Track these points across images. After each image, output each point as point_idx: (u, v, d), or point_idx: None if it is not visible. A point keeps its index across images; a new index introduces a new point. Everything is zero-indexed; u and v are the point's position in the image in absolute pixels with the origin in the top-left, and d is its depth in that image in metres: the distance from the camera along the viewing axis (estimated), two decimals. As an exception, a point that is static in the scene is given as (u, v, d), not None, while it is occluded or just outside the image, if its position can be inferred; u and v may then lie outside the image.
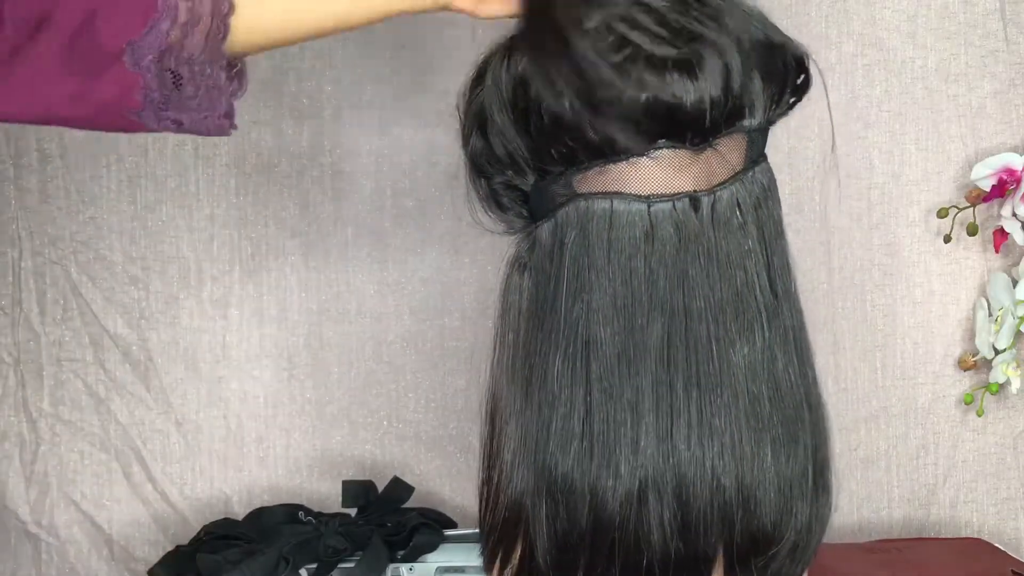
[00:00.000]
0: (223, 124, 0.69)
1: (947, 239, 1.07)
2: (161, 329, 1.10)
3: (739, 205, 0.63)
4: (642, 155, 0.62)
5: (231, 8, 0.66)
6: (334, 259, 1.10)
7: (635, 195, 0.62)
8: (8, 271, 1.09)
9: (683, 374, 0.62)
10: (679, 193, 0.62)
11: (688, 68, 0.60)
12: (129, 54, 0.64)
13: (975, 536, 1.08)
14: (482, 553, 0.69)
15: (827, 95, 0.70)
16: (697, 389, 0.61)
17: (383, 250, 1.10)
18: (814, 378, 0.67)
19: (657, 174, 0.62)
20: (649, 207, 0.62)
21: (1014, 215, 1.03)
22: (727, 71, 0.60)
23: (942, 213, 1.06)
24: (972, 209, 1.06)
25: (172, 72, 0.65)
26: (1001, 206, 1.04)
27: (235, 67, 0.70)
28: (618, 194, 0.62)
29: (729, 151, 0.63)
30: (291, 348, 1.11)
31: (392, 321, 1.10)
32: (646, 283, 0.62)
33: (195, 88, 0.66)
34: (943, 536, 1.09)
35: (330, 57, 1.08)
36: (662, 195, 0.62)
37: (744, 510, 0.62)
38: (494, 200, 0.68)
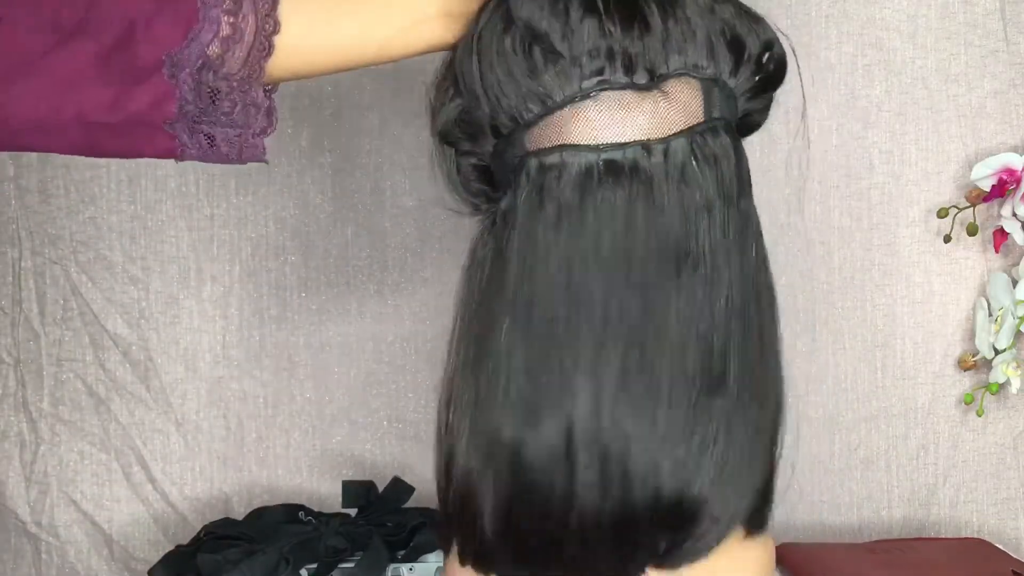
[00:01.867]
0: (257, 144, 0.68)
1: (947, 239, 1.07)
2: (161, 329, 1.10)
3: (695, 156, 0.61)
4: (585, 97, 0.60)
5: (276, 27, 0.65)
6: (334, 259, 1.10)
7: (585, 145, 0.60)
8: (8, 271, 1.09)
9: (616, 330, 0.60)
10: (630, 142, 0.60)
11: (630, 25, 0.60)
12: (168, 65, 0.63)
13: (975, 536, 1.08)
14: (438, 534, 0.69)
15: (802, 87, 0.69)
16: (626, 345, 0.60)
17: (383, 250, 1.10)
18: (769, 353, 0.65)
19: (605, 119, 0.60)
20: (599, 156, 0.60)
21: (1014, 215, 1.03)
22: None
23: (942, 213, 1.06)
24: (972, 209, 1.06)
25: (210, 87, 0.65)
26: (1001, 206, 1.04)
27: (274, 91, 0.69)
28: (566, 146, 0.60)
29: (682, 96, 0.61)
30: (291, 348, 1.11)
31: (392, 321, 1.10)
32: (592, 236, 0.60)
33: (231, 104, 0.66)
34: (943, 536, 1.09)
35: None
36: (612, 144, 0.60)
37: (658, 468, 0.60)
38: (460, 177, 0.67)
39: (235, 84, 0.65)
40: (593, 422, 0.60)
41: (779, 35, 0.66)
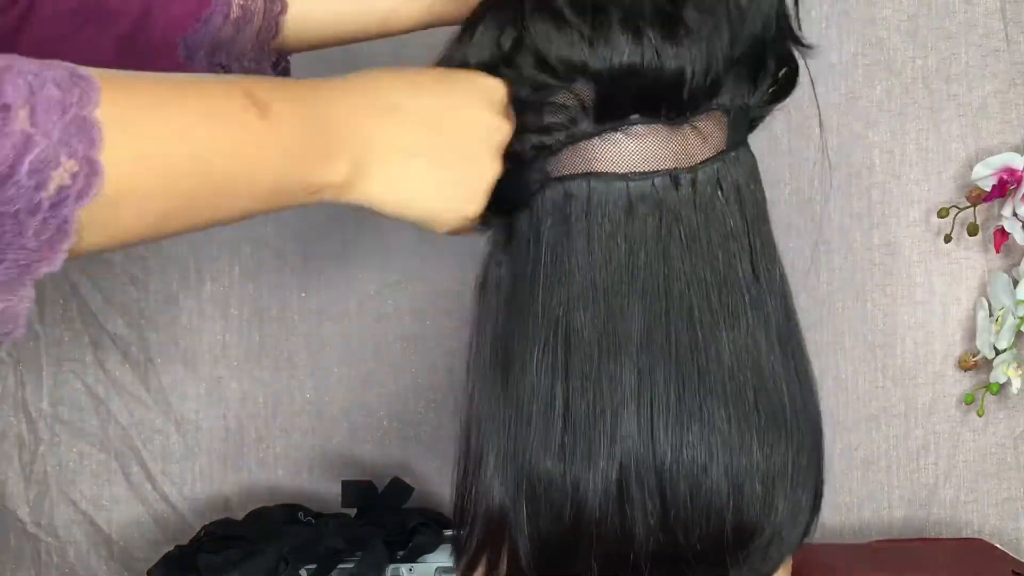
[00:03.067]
0: None
1: (948, 239, 1.07)
2: (161, 329, 1.10)
3: (720, 185, 0.61)
4: (615, 130, 0.59)
5: (283, 7, 0.65)
6: (334, 259, 1.10)
7: (613, 173, 0.59)
8: (7, 271, 1.09)
9: (664, 360, 0.59)
10: (658, 171, 0.59)
11: (671, 31, 0.57)
12: (183, 47, 0.64)
13: (976, 536, 1.08)
14: (458, 561, 0.66)
15: (815, 91, 0.69)
16: (679, 376, 0.59)
17: (383, 250, 1.10)
18: (803, 370, 0.64)
19: (633, 149, 0.60)
20: (628, 184, 0.59)
21: (1015, 215, 1.03)
22: (713, 39, 0.58)
23: (943, 213, 1.06)
24: (973, 209, 1.06)
25: (222, 67, 0.65)
26: (1002, 206, 1.04)
27: (280, 65, 0.70)
28: (595, 174, 0.60)
29: (709, 128, 0.61)
30: (291, 348, 1.10)
31: (392, 321, 1.10)
32: (626, 266, 0.59)
33: None
34: (944, 536, 1.09)
35: (329, 58, 1.08)
36: (641, 172, 0.59)
37: (729, 501, 0.59)
38: None
39: (246, 64, 0.66)
40: (649, 458, 0.59)
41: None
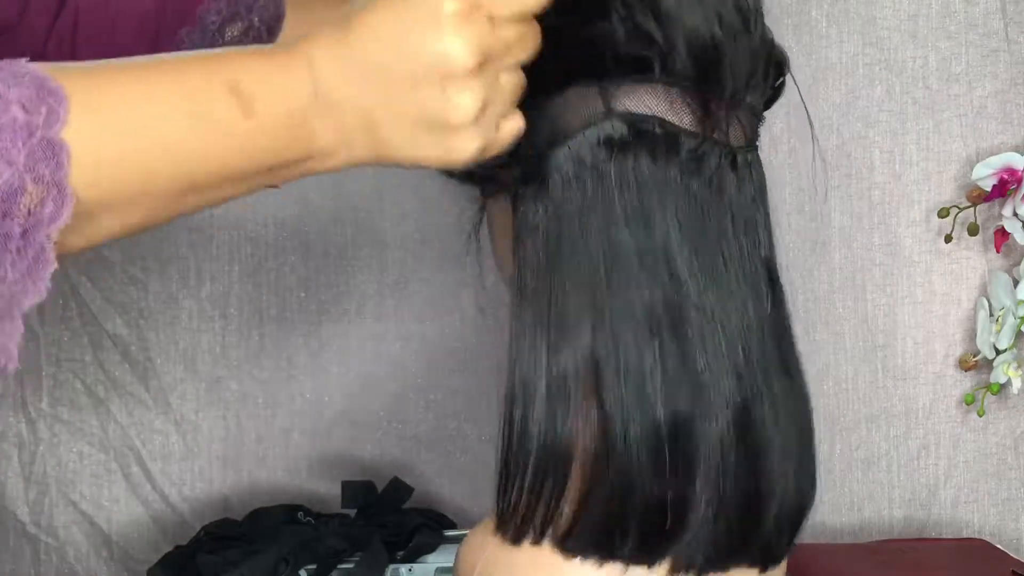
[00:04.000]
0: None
1: (948, 239, 1.06)
2: (160, 329, 1.10)
3: (752, 172, 0.62)
4: (685, 86, 0.59)
5: None
6: (334, 259, 1.10)
7: (683, 128, 0.59)
8: (7, 271, 1.09)
9: (740, 334, 0.60)
10: (716, 141, 0.60)
11: (745, 23, 0.59)
12: None
13: (976, 536, 1.08)
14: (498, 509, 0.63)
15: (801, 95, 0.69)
16: (749, 350, 0.61)
17: (383, 250, 1.10)
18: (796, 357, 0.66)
19: (696, 110, 0.60)
20: (701, 142, 0.59)
21: (1015, 215, 1.03)
22: (756, 37, 0.60)
23: (943, 213, 1.06)
24: (973, 209, 1.06)
25: None
26: (1002, 206, 1.04)
27: None
28: (667, 121, 0.59)
29: (744, 122, 0.62)
30: (291, 348, 1.10)
31: (392, 321, 1.10)
32: (702, 217, 0.60)
33: None
34: (944, 536, 1.09)
35: None
36: (701, 135, 0.60)
37: (788, 472, 0.62)
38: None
39: None
40: (746, 417, 0.60)
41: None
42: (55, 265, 0.44)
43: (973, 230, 1.06)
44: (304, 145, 0.52)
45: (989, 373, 1.05)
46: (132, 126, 0.46)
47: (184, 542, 1.01)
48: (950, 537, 1.08)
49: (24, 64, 0.44)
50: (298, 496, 1.09)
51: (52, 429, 1.09)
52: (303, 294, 1.10)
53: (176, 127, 0.48)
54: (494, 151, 0.56)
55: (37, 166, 0.42)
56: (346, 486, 1.03)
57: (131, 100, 0.47)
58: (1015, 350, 1.04)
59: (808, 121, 0.75)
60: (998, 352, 1.05)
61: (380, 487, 1.03)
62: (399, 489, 1.03)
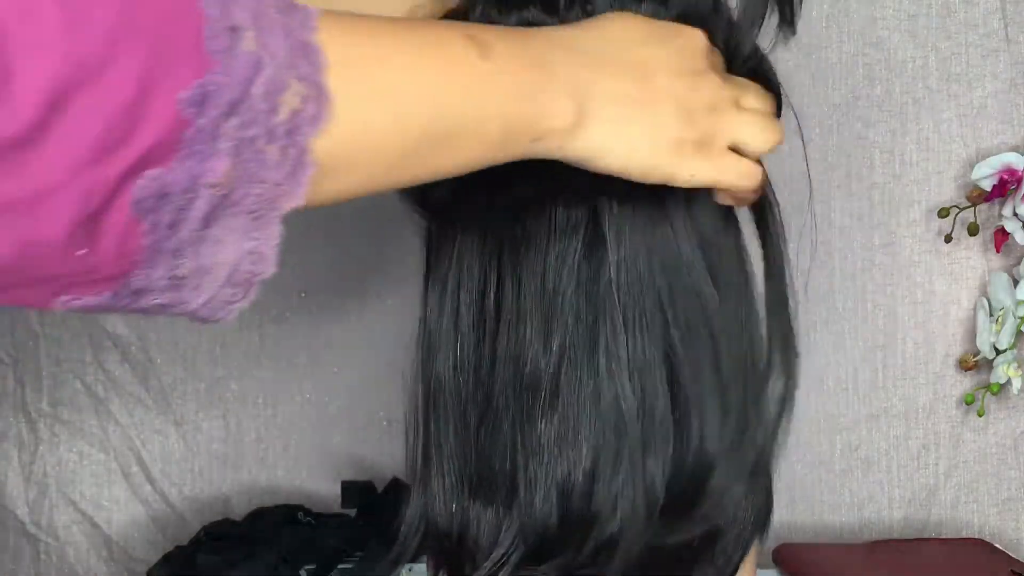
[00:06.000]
0: None
1: (948, 239, 1.06)
2: (160, 329, 1.10)
3: None
4: None
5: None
6: (334, 259, 1.10)
7: None
8: (7, 271, 1.09)
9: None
10: None
11: None
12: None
13: (976, 537, 1.08)
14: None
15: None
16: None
17: (383, 250, 1.10)
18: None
19: None
20: None
21: (1015, 215, 1.03)
22: None
23: (943, 213, 1.06)
24: (973, 209, 1.06)
25: None
26: (1002, 206, 1.04)
27: None
28: None
29: None
30: (291, 348, 1.10)
31: (392, 321, 1.10)
32: None
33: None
34: (944, 536, 1.09)
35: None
36: None
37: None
38: None
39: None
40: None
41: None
42: (314, 169, 0.43)
43: (973, 230, 1.06)
44: (540, 106, 0.51)
45: (989, 373, 1.05)
46: (377, 53, 0.46)
47: (184, 542, 1.01)
48: (950, 537, 1.08)
49: None
50: (298, 496, 1.09)
51: (52, 429, 1.09)
52: (303, 294, 1.10)
53: (418, 56, 0.47)
54: (697, 181, 0.57)
55: (298, 63, 0.42)
56: (346, 486, 1.03)
57: (375, 31, 0.47)
58: (1015, 350, 1.04)
59: (796, 123, 0.75)
60: (998, 352, 1.05)
61: (380, 487, 1.03)
62: (399, 488, 1.03)
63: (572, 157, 0.53)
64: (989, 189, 1.04)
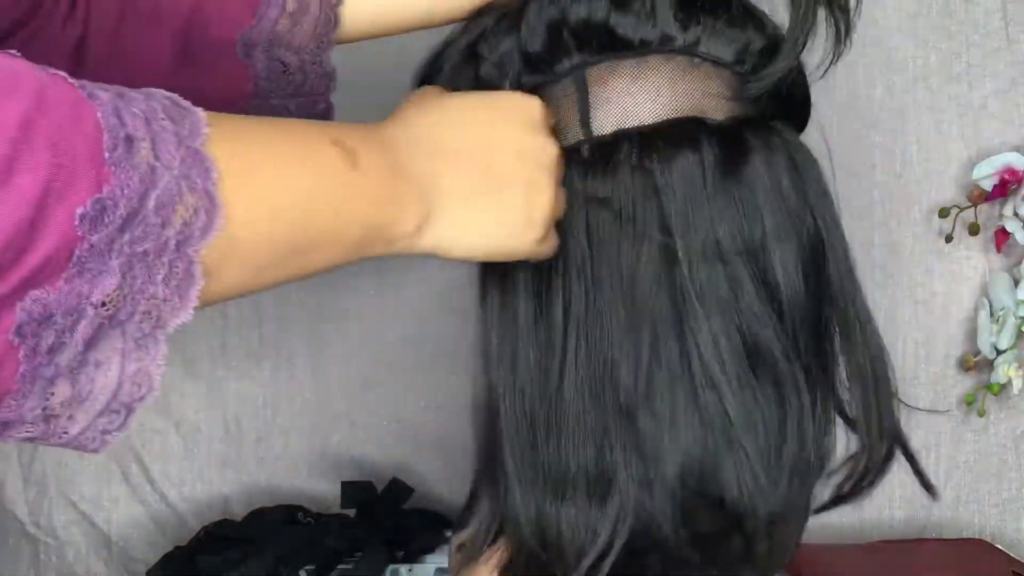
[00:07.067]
0: (322, 103, 0.69)
1: (949, 239, 1.06)
2: (160, 329, 1.09)
3: None
4: None
5: None
6: (333, 259, 1.10)
7: None
8: (7, 271, 1.09)
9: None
10: None
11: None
12: (240, 45, 0.63)
13: (976, 537, 1.08)
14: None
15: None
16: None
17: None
18: None
19: None
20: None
21: (1016, 215, 1.03)
22: None
23: (943, 213, 1.06)
24: (974, 209, 1.06)
25: (282, 63, 0.64)
26: (1003, 206, 1.04)
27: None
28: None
29: None
30: (291, 348, 1.10)
31: (392, 321, 1.10)
32: None
33: (303, 76, 0.66)
34: (944, 537, 1.09)
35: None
36: None
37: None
38: None
39: (305, 57, 0.65)
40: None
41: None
42: (202, 282, 0.42)
43: (974, 230, 1.06)
44: (394, 212, 0.52)
45: (990, 373, 1.05)
46: (258, 162, 0.45)
47: (184, 542, 1.01)
48: (950, 537, 1.08)
49: (151, 89, 0.43)
50: (298, 496, 1.09)
51: (52, 429, 1.09)
52: (302, 294, 1.10)
53: (294, 167, 0.47)
54: (540, 254, 0.59)
55: (191, 173, 0.41)
56: (346, 486, 1.03)
57: (255, 136, 0.46)
58: (1016, 350, 1.04)
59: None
60: (999, 352, 1.05)
61: (380, 487, 1.03)
62: (399, 489, 1.03)
63: (422, 252, 0.55)
64: (990, 189, 1.04)
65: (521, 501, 0.61)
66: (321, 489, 1.10)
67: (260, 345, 1.10)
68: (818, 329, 0.63)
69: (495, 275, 0.64)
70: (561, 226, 0.60)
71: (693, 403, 0.59)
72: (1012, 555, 1.01)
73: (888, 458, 0.67)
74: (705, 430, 0.59)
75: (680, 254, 0.58)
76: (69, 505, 1.10)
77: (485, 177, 0.56)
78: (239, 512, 1.07)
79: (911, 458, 0.69)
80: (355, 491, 1.02)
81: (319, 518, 1.00)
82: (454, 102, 0.58)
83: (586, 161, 0.60)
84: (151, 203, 0.39)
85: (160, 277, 0.40)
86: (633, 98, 0.60)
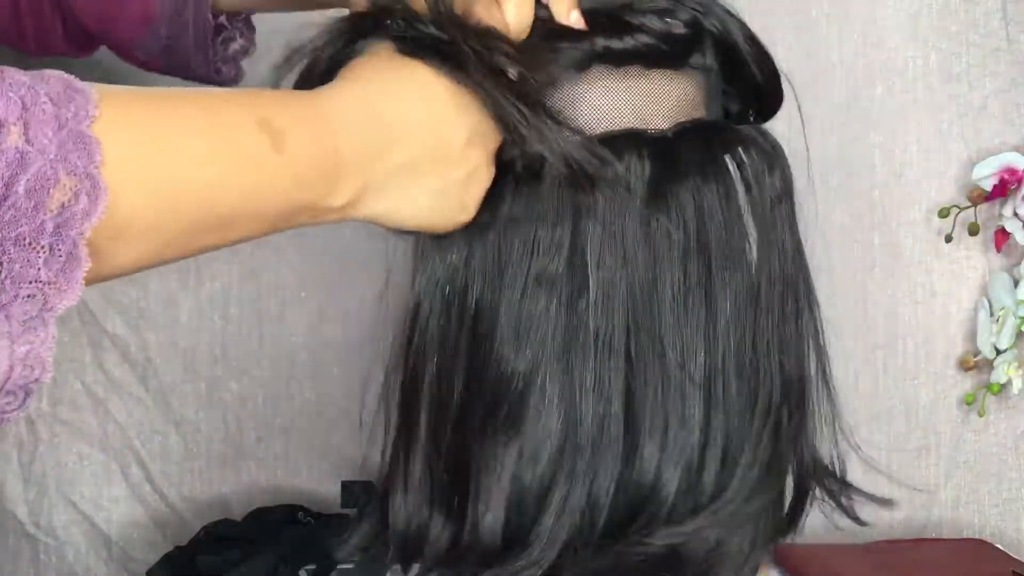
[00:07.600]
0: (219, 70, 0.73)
1: (948, 239, 1.06)
2: (160, 329, 1.10)
3: None
4: None
5: None
6: (334, 259, 1.10)
7: None
8: (6, 271, 1.09)
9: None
10: None
11: None
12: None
13: (976, 537, 1.08)
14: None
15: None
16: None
17: (383, 250, 1.10)
18: None
19: None
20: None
21: (1015, 215, 1.03)
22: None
23: (943, 213, 1.06)
24: (974, 209, 1.06)
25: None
26: (1003, 206, 1.04)
27: (222, 33, 0.72)
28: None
29: None
30: (291, 348, 1.10)
31: (392, 321, 1.10)
32: None
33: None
34: (944, 537, 1.09)
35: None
36: None
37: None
38: None
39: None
40: None
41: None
42: (89, 264, 0.42)
43: (974, 230, 1.06)
44: (323, 191, 0.52)
45: (989, 373, 1.05)
46: (158, 143, 0.45)
47: (184, 542, 1.00)
48: (950, 537, 1.08)
49: (49, 71, 0.43)
50: (298, 496, 1.09)
51: (52, 429, 1.09)
52: (303, 294, 1.10)
53: (204, 152, 0.47)
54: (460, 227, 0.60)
55: (69, 157, 0.41)
56: (346, 486, 1.03)
57: (160, 117, 0.46)
58: (1015, 350, 1.04)
59: (801, 122, 0.75)
60: (998, 352, 1.05)
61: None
62: (399, 489, 1.03)
63: (359, 220, 0.56)
64: (990, 189, 1.04)
65: (406, 504, 0.66)
66: (321, 489, 1.10)
67: (260, 345, 1.10)
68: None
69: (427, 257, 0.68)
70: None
71: (555, 427, 0.60)
72: (1012, 555, 1.01)
73: (802, 496, 0.70)
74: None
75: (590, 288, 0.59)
76: (69, 505, 1.10)
77: (433, 157, 0.55)
78: (239, 512, 1.07)
79: (831, 493, 0.68)
80: (355, 491, 1.02)
81: (319, 518, 1.00)
82: (417, 74, 0.56)
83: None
84: (20, 187, 0.39)
85: (41, 260, 0.40)
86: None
